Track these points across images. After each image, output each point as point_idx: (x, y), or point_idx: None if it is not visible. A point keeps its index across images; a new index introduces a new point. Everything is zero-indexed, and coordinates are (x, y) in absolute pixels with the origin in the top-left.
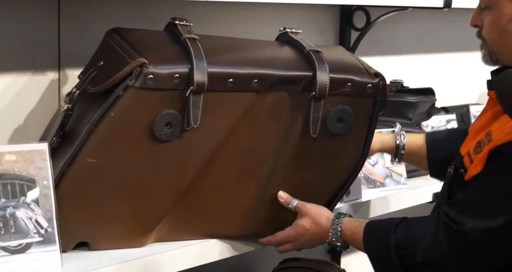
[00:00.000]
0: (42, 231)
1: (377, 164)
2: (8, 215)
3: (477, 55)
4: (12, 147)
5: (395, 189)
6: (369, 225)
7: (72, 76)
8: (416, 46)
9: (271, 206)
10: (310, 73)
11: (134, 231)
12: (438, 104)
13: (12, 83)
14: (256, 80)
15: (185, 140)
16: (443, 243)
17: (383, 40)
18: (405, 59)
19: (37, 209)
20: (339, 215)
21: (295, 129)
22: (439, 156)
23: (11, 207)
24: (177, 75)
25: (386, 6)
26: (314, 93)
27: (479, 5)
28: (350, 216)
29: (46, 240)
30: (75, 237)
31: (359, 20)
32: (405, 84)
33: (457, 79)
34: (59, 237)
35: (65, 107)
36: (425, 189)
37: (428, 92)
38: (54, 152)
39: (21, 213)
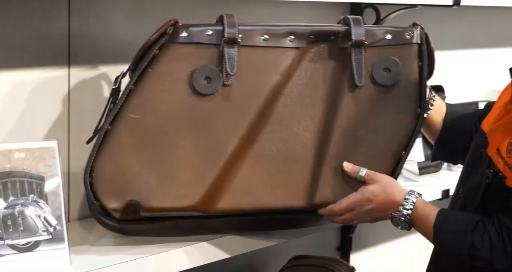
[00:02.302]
0: (51, 229)
1: None
2: (16, 213)
3: (486, 53)
4: (21, 145)
5: (404, 186)
6: (444, 214)
7: (82, 73)
8: None
9: (332, 170)
10: (346, 27)
11: (184, 189)
12: (447, 101)
13: (21, 80)
14: (292, 36)
15: (226, 96)
16: (510, 255)
17: None
18: None
19: (46, 207)
20: (413, 191)
21: (341, 84)
22: (450, 145)
23: (20, 205)
24: (211, 31)
25: (396, 4)
26: (351, 42)
27: None
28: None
29: (54, 238)
30: (124, 195)
31: (369, 18)
32: None
33: (466, 76)
34: (67, 235)
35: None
36: (434, 187)
37: (438, 90)
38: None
39: (30, 211)
